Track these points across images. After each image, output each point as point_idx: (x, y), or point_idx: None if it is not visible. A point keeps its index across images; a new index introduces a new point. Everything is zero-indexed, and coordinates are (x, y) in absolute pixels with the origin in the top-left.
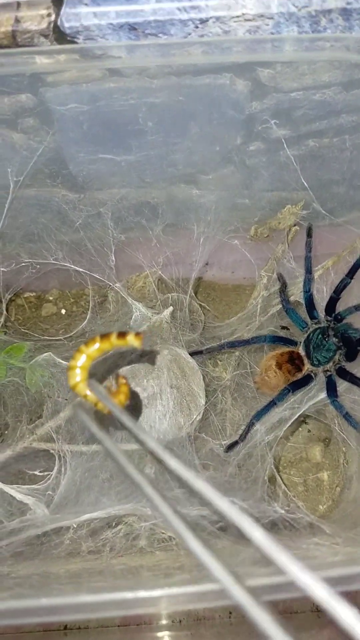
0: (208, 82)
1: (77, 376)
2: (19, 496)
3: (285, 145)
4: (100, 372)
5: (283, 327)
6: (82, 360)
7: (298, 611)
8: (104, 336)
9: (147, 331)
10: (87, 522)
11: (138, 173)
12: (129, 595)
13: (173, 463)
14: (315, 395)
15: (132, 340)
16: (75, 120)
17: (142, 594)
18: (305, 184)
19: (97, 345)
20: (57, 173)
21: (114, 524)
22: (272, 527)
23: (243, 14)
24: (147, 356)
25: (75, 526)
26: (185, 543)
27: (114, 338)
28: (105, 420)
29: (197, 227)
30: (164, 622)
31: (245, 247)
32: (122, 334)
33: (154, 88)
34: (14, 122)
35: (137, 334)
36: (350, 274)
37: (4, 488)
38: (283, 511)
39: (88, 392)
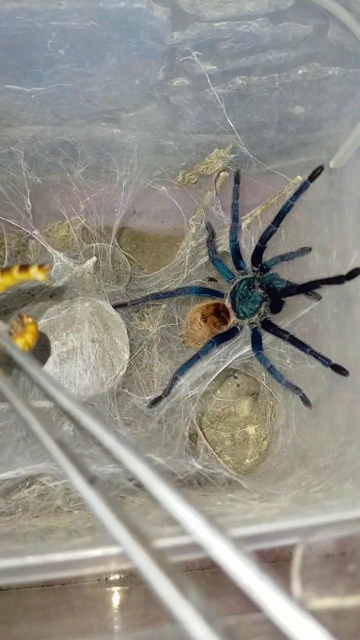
0: (123, 5)
1: None
2: None
3: (209, 82)
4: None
5: (211, 279)
6: None
7: None
8: (5, 270)
9: (50, 263)
10: None
11: (52, 108)
12: (18, 561)
13: (66, 403)
14: (240, 349)
15: (35, 274)
16: None
17: (31, 559)
18: (232, 125)
19: None
20: None
21: (27, 484)
22: (189, 484)
23: None
24: (55, 294)
25: None
26: (89, 506)
27: (16, 272)
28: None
29: (120, 170)
30: (91, 581)
31: (173, 194)
32: (24, 267)
33: (62, 10)
34: None
35: (41, 266)
36: (277, 221)
37: None
38: (200, 466)
39: None
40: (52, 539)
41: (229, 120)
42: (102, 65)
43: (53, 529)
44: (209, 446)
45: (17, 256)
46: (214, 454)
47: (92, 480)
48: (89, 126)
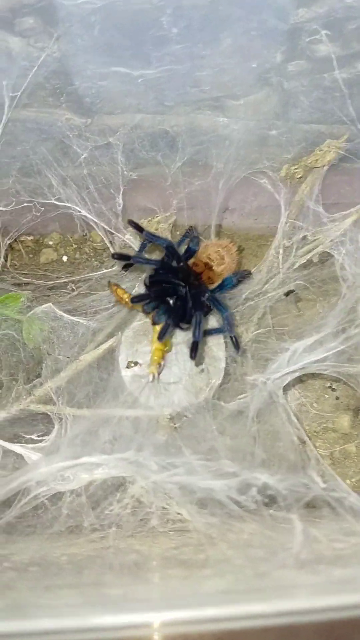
0: None
1: None
2: (16, 449)
3: (335, 64)
4: None
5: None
6: None
7: None
8: None
9: None
10: (86, 487)
11: (156, 94)
12: (146, 617)
13: None
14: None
15: None
16: (85, 21)
17: (168, 615)
18: (351, 113)
19: None
20: (61, 90)
21: (118, 496)
22: (307, 506)
23: None
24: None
25: (74, 489)
26: None
27: None
28: None
29: (220, 164)
30: None
31: (272, 189)
32: None
33: None
34: (9, 23)
35: None
36: None
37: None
38: (323, 484)
39: None
40: (165, 576)
41: (349, 108)
42: (217, 46)
43: (154, 559)
44: (321, 460)
45: (105, 254)
46: (327, 468)
47: None
48: (192, 114)
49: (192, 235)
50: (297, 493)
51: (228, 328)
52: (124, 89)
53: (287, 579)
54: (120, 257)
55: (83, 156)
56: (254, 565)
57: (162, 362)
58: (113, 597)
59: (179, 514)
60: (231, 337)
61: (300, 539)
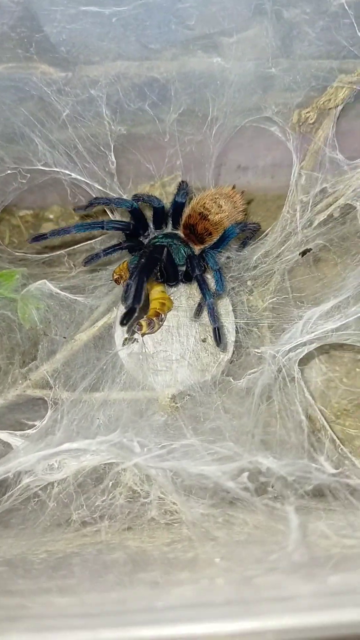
0: None
1: None
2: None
3: None
4: None
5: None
6: None
7: None
8: None
9: None
10: (74, 475)
11: (137, 35)
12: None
13: None
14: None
15: None
16: None
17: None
18: None
19: None
20: (30, 39)
21: (110, 485)
22: (318, 495)
23: None
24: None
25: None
26: None
27: None
28: None
29: (221, 113)
30: None
31: (286, 141)
32: None
33: None
34: None
35: None
36: None
37: None
38: (333, 469)
39: None
40: (149, 581)
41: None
42: None
43: (142, 557)
44: (342, 445)
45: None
46: (346, 453)
47: None
48: (183, 58)
49: (182, 188)
50: (298, 480)
51: (210, 314)
52: (99, 32)
53: (272, 587)
54: (35, 239)
55: (65, 113)
56: (243, 567)
57: (163, 317)
58: (60, 608)
59: (174, 504)
60: (214, 329)
61: (296, 536)
